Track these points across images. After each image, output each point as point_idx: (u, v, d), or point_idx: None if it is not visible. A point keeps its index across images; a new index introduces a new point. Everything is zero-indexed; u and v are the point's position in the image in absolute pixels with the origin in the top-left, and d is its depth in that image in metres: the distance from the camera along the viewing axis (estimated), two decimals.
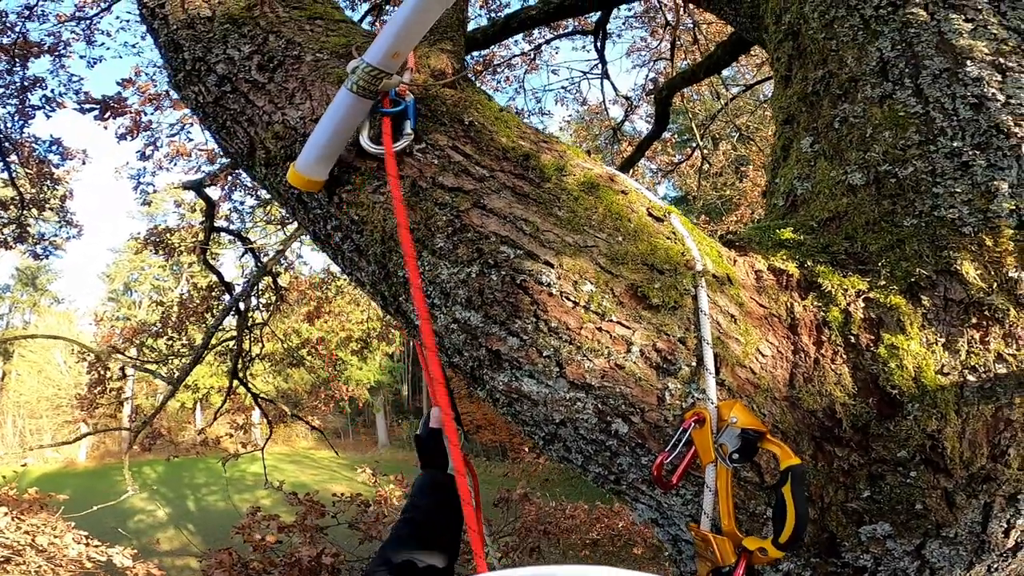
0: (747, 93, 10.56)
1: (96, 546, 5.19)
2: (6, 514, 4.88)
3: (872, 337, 1.04)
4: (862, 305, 1.06)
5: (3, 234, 7.76)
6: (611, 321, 0.97)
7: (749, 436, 0.89)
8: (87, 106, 5.44)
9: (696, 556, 1.01)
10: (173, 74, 1.43)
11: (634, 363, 0.97)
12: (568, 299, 0.98)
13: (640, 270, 1.01)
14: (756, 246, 1.21)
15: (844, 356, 1.04)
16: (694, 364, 0.98)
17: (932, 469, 0.99)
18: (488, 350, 1.04)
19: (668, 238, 1.08)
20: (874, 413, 1.01)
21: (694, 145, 10.22)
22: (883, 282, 1.08)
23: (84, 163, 8.14)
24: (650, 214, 1.11)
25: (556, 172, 1.10)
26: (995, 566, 1.09)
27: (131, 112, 6.10)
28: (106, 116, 5.63)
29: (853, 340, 1.04)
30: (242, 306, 5.88)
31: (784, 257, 1.14)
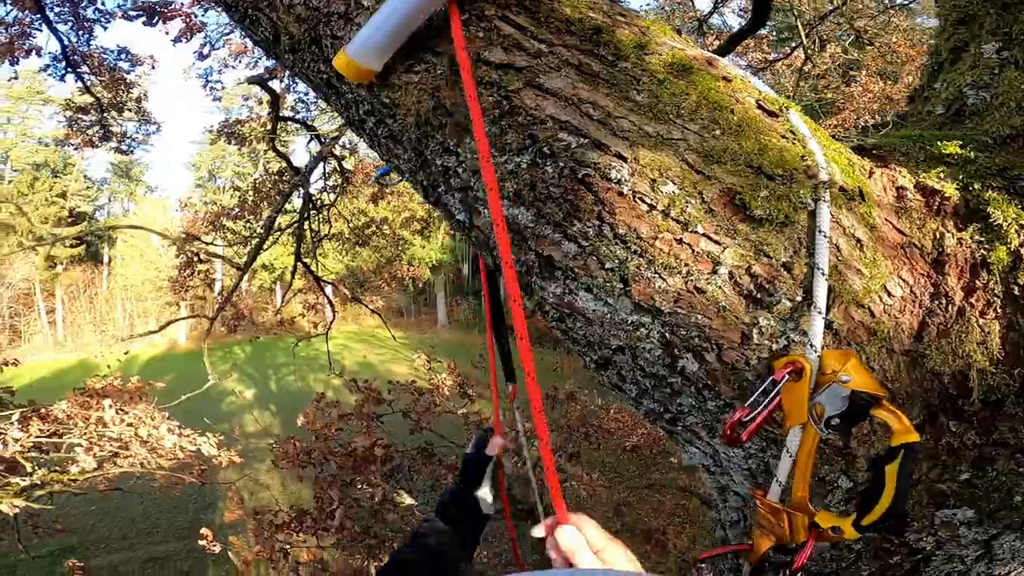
0: None
1: (187, 435, 5.66)
2: (111, 406, 5.31)
3: None
4: None
5: (88, 135, 8.58)
6: (695, 232, 0.76)
7: (861, 401, 0.69)
8: (133, 13, 5.34)
9: (756, 526, 0.86)
10: None
11: (719, 288, 0.77)
12: (643, 201, 0.77)
13: (742, 173, 0.78)
14: (901, 157, 0.93)
15: (999, 310, 0.80)
16: (799, 298, 0.76)
17: None
18: (538, 255, 0.86)
19: (783, 137, 0.83)
20: (1016, 387, 0.78)
21: (794, 44, 9.00)
22: None
23: (153, 67, 8.67)
24: (760, 107, 0.85)
25: (635, 50, 0.85)
26: None
27: (181, 15, 6.04)
28: (154, 22, 5.53)
29: (1017, 292, 0.79)
30: (307, 189, 5.94)
31: (941, 175, 0.87)
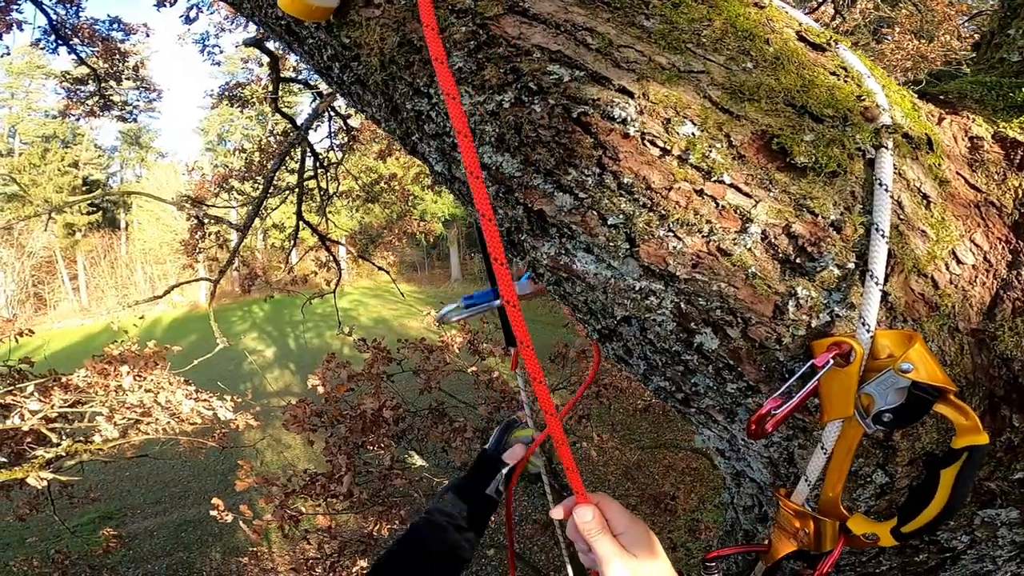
0: None
1: (203, 400, 5.65)
2: (128, 373, 5.26)
3: None
4: None
5: (88, 105, 8.62)
6: (721, 183, 0.62)
7: (924, 395, 0.56)
8: None
9: (776, 526, 0.75)
10: None
11: (748, 250, 0.63)
12: (654, 144, 0.62)
13: (780, 112, 0.62)
14: (974, 105, 0.77)
15: None
16: (850, 265, 0.62)
17: None
18: (528, 209, 0.73)
19: (833, 74, 0.67)
20: None
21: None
22: None
23: (148, 35, 8.72)
24: (802, 39, 0.69)
25: None
26: None
27: None
28: None
29: None
30: (306, 147, 5.78)
31: None
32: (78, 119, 9.06)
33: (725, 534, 1.40)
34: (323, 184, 6.82)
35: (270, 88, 5.74)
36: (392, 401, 4.79)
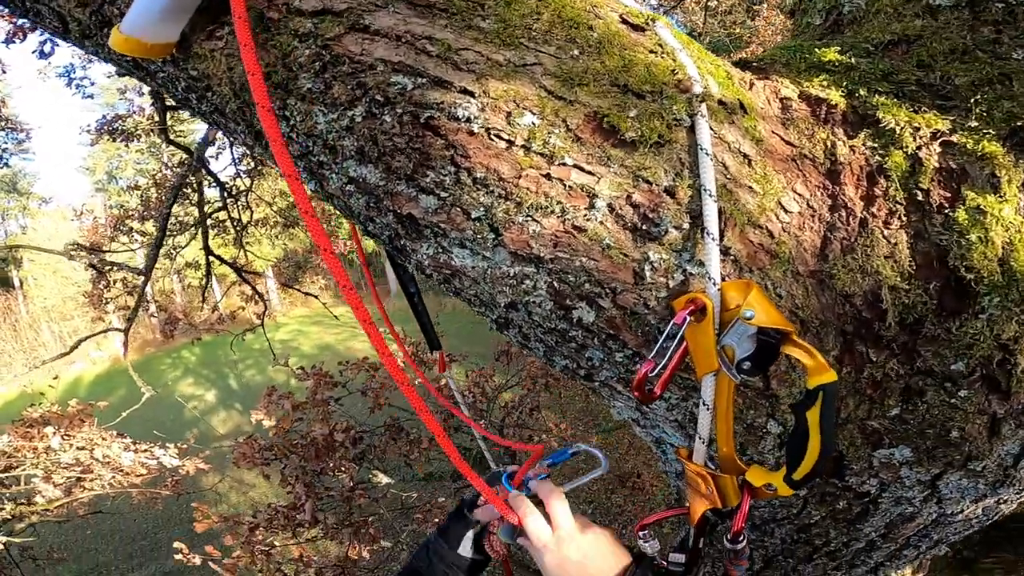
0: None
1: (145, 450, 5.34)
2: (55, 433, 4.94)
3: (948, 195, 0.73)
4: (938, 150, 0.74)
5: None
6: (563, 165, 0.66)
7: (769, 339, 0.62)
8: None
9: (687, 487, 0.79)
10: None
11: (600, 224, 0.68)
12: (499, 137, 0.66)
13: (607, 93, 0.68)
14: (782, 68, 0.86)
15: (904, 218, 0.74)
16: (686, 225, 0.68)
17: (989, 389, 0.75)
18: (397, 215, 0.75)
19: (651, 52, 0.73)
20: (934, 305, 0.73)
21: None
22: (974, 123, 0.75)
23: (3, 71, 7.79)
24: (624, 22, 0.75)
25: None
26: (1006, 498, 0.93)
27: (4, 16, 5.28)
28: None
29: (920, 197, 0.74)
30: (201, 176, 5.51)
31: (824, 83, 0.80)
32: None
33: (675, 502, 1.42)
34: (235, 214, 6.53)
35: (156, 118, 5.39)
36: (343, 424, 4.68)
